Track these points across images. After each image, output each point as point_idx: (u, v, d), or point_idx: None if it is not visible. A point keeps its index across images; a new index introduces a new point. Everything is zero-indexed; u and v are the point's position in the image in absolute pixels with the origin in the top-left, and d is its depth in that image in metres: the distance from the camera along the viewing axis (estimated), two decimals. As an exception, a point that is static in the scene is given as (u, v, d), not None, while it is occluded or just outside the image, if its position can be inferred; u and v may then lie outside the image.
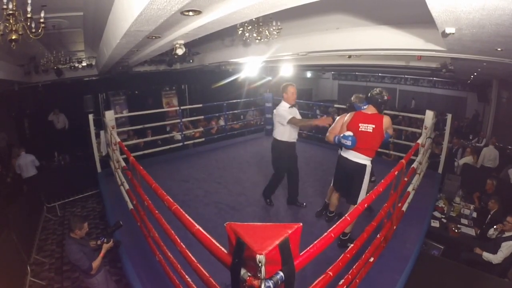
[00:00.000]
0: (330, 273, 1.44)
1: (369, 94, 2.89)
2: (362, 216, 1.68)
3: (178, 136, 6.62)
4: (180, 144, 6.21)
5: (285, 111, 3.49)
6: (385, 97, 2.82)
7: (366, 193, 2.88)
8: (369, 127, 2.79)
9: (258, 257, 0.93)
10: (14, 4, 2.46)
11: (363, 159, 2.88)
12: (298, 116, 3.57)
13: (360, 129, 2.82)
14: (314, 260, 1.23)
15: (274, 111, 3.66)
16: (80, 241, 2.66)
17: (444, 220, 4.38)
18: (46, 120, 8.45)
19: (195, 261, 1.66)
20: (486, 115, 9.43)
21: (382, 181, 2.09)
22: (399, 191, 2.68)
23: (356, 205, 2.90)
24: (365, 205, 1.74)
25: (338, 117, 3.25)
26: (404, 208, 3.18)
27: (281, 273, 1.02)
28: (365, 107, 2.97)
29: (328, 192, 3.56)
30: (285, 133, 3.56)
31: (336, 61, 7.50)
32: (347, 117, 2.97)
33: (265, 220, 3.68)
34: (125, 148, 3.21)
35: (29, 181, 5.76)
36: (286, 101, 3.55)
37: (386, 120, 2.80)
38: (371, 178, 3.20)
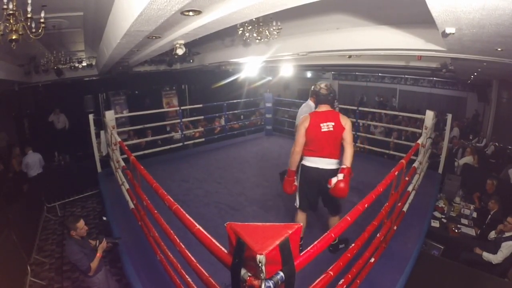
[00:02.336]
0: (331, 272, 1.44)
1: (320, 95, 2.61)
2: (361, 217, 1.68)
3: (178, 136, 6.62)
4: (180, 144, 6.22)
5: (301, 112, 3.33)
6: (332, 89, 2.64)
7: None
8: (330, 125, 2.51)
9: (259, 257, 0.93)
10: (14, 4, 2.46)
11: (335, 164, 2.59)
12: None
13: (322, 130, 2.51)
14: (314, 260, 1.23)
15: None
16: (81, 242, 2.66)
17: (444, 220, 4.38)
18: (46, 120, 8.45)
19: (195, 261, 1.66)
20: (486, 115, 9.42)
21: (383, 181, 2.09)
22: (399, 191, 2.68)
23: (339, 214, 2.71)
24: (365, 205, 1.73)
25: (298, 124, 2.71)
26: (404, 208, 3.18)
27: (281, 273, 1.03)
28: (317, 107, 2.69)
29: (299, 219, 2.86)
30: None
31: (336, 61, 7.50)
32: (302, 121, 2.61)
33: (265, 220, 3.68)
34: (126, 148, 3.22)
35: (32, 181, 5.77)
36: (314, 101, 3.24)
37: (343, 117, 2.56)
38: None
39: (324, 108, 2.61)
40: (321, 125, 2.52)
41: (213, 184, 4.66)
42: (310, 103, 3.33)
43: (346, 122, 2.54)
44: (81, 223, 2.63)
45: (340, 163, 2.54)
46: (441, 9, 2.10)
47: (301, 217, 2.84)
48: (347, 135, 2.52)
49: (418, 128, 6.26)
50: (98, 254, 2.70)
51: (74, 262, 2.58)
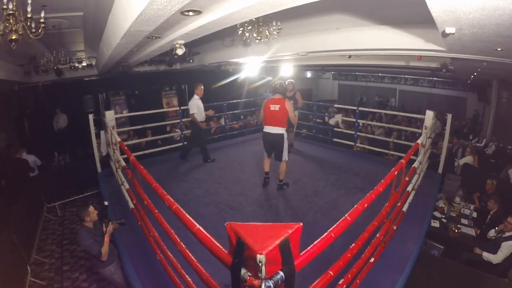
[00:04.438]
0: (331, 272, 1.44)
1: (274, 87, 4.17)
2: (362, 216, 1.69)
3: (178, 136, 6.62)
4: (180, 144, 6.22)
5: (193, 104, 5.25)
6: (284, 85, 4.24)
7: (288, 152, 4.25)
8: (277, 107, 4.04)
9: (259, 257, 0.93)
10: (14, 4, 2.46)
11: (281, 130, 4.08)
12: (201, 106, 5.35)
13: (271, 109, 4.06)
14: (314, 259, 1.23)
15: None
16: (92, 230, 2.73)
17: (444, 220, 4.38)
18: (46, 120, 8.45)
19: (195, 260, 1.66)
20: (486, 115, 9.42)
21: (382, 181, 2.09)
22: (399, 191, 2.68)
23: (283, 161, 4.23)
24: (365, 205, 1.73)
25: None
26: (404, 208, 3.18)
27: (281, 273, 1.02)
28: (273, 95, 4.17)
29: (264, 162, 4.49)
30: (197, 116, 5.27)
31: (336, 61, 7.51)
32: (263, 104, 4.19)
33: (265, 220, 3.69)
34: (126, 148, 3.22)
35: (30, 181, 5.75)
36: (197, 94, 5.38)
37: (287, 102, 4.06)
38: (290, 148, 5.17)
39: (276, 96, 4.11)
40: (271, 106, 4.07)
41: (213, 184, 4.66)
42: (195, 96, 5.35)
43: (288, 106, 4.02)
44: (91, 208, 2.76)
45: (284, 130, 4.10)
46: (441, 9, 2.10)
47: (266, 160, 4.43)
48: (290, 114, 4.07)
49: (418, 128, 6.27)
50: (106, 239, 2.76)
51: (85, 248, 2.67)
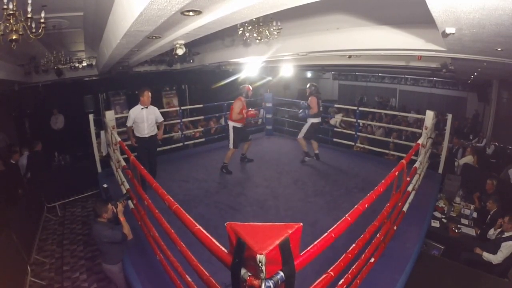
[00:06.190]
0: (331, 273, 1.44)
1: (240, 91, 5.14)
2: (362, 217, 1.69)
3: (178, 136, 6.63)
4: (180, 144, 6.21)
5: (129, 115, 4.18)
6: (243, 88, 5.19)
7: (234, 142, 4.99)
8: (231, 103, 5.13)
9: (259, 257, 0.93)
10: (14, 4, 2.46)
11: (228, 122, 5.06)
12: (144, 117, 4.12)
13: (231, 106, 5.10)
14: (314, 260, 1.23)
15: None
16: (108, 224, 2.75)
17: (444, 220, 4.38)
18: (47, 120, 8.45)
19: (195, 260, 1.66)
20: (486, 115, 9.42)
21: (383, 181, 2.09)
22: (400, 191, 2.68)
23: (230, 148, 5.06)
24: (366, 205, 1.73)
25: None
26: (404, 208, 3.18)
27: (281, 273, 1.03)
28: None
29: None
30: (136, 130, 4.23)
31: (336, 61, 7.50)
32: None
33: (265, 220, 3.69)
34: (126, 148, 3.22)
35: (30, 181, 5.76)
36: (141, 103, 4.14)
37: (235, 101, 5.02)
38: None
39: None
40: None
41: (213, 184, 4.66)
42: (138, 105, 4.16)
43: (234, 104, 5.01)
44: (110, 205, 2.77)
45: (232, 122, 5.01)
46: (441, 9, 2.09)
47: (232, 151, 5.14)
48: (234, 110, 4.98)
49: (418, 128, 6.27)
50: (122, 218, 2.77)
51: (107, 240, 2.66)
